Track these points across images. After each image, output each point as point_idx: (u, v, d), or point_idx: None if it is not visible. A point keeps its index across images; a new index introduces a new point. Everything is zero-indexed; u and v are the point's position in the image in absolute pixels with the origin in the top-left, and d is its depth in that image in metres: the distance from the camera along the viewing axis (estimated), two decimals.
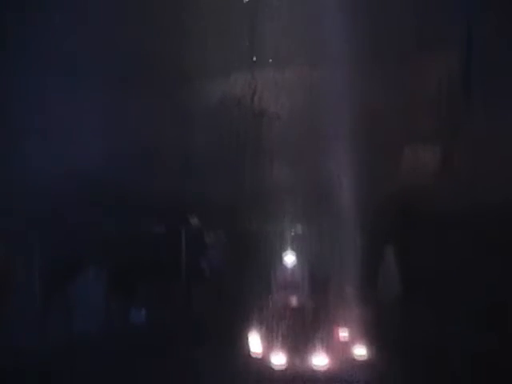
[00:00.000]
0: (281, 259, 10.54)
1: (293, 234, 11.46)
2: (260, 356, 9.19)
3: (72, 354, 9.53)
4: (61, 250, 11.88)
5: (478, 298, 10.96)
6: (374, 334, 9.20)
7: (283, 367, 8.72)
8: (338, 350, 9.08)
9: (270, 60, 11.32)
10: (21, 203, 11.39)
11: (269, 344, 9.30)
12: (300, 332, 9.42)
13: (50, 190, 11.55)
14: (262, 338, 9.53)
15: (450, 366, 8.65)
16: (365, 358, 9.05)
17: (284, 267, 10.38)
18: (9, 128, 11.15)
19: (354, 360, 8.97)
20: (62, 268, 11.72)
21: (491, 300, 10.93)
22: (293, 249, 10.80)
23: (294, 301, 10.04)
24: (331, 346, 9.06)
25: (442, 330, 10.45)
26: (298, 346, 9.08)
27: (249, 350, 9.39)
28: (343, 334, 9.85)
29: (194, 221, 12.16)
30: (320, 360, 8.79)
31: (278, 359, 8.84)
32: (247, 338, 9.65)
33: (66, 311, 11.13)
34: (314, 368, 8.68)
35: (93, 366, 8.90)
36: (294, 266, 10.36)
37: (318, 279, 10.56)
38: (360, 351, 9.16)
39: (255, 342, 9.55)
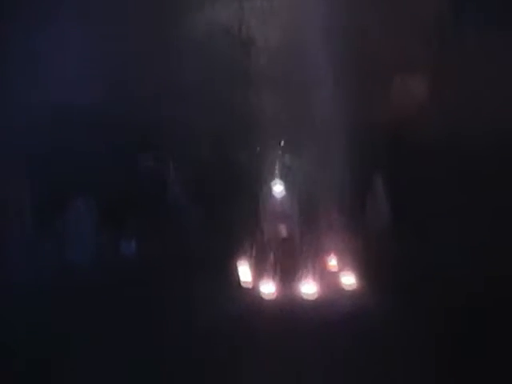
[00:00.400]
0: (269, 189, 10.48)
1: (281, 163, 11.42)
2: (249, 285, 9.20)
3: (62, 286, 9.50)
4: (50, 182, 11.80)
5: (467, 226, 11.01)
6: (362, 263, 9.21)
7: (272, 296, 8.74)
8: (327, 279, 9.10)
9: None
10: (7, 135, 11.25)
11: (258, 274, 9.30)
12: (289, 261, 9.42)
13: (38, 122, 11.39)
14: (251, 267, 9.53)
15: (439, 295, 8.71)
16: (354, 286, 9.08)
17: (272, 197, 10.32)
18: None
19: (343, 289, 9.00)
20: (51, 200, 11.66)
21: (481, 227, 10.98)
22: (281, 178, 10.74)
23: (282, 230, 10.01)
24: (320, 275, 9.08)
25: (430, 259, 10.52)
26: (287, 275, 9.08)
27: (238, 280, 9.39)
28: (332, 263, 9.88)
29: (182, 152, 12.03)
30: (309, 289, 8.82)
31: (268, 288, 8.86)
32: (236, 268, 9.66)
33: (56, 243, 11.09)
34: (303, 297, 8.71)
35: (83, 298, 8.88)
36: (283, 196, 10.30)
37: (306, 208, 10.52)
38: (349, 280, 9.19)
39: (244, 272, 9.56)
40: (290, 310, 8.37)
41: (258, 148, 11.00)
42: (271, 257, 9.28)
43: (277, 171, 10.83)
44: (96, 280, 9.89)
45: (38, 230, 11.17)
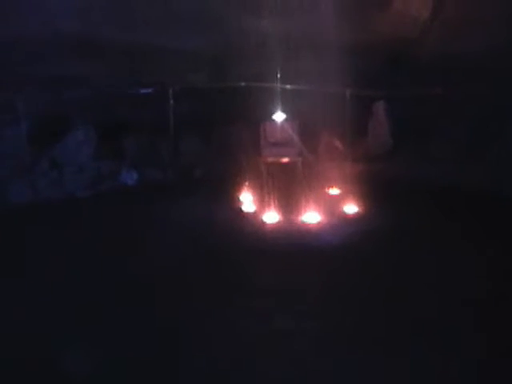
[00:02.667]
0: (270, 115, 10.21)
1: (282, 89, 11.10)
2: (252, 212, 9.05)
3: (62, 213, 9.38)
4: (49, 109, 11.52)
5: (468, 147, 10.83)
6: (364, 191, 9.03)
7: (275, 223, 8.59)
8: (329, 206, 8.92)
9: None
10: (3, 63, 10.90)
11: (260, 200, 9.14)
12: (291, 188, 9.24)
13: (31, 46, 11.02)
14: (253, 194, 9.37)
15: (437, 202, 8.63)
16: (355, 214, 8.92)
17: (274, 123, 10.05)
18: None
19: (345, 216, 8.84)
20: (50, 127, 11.42)
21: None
22: (282, 105, 10.46)
23: (284, 157, 9.79)
24: (322, 203, 8.90)
25: (429, 176, 10.36)
26: (289, 202, 8.91)
27: (240, 207, 9.25)
28: (334, 190, 9.70)
29: (180, 77, 11.71)
30: (311, 216, 8.64)
31: (270, 215, 8.69)
32: (238, 195, 9.51)
33: (56, 171, 10.89)
34: (305, 223, 8.55)
35: (83, 224, 8.77)
36: (284, 123, 10.03)
37: (308, 135, 10.28)
38: (350, 208, 9.01)
39: (246, 199, 9.40)
40: (291, 236, 8.24)
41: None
42: (273, 184, 9.07)
43: (278, 97, 10.55)
44: (96, 208, 9.76)
45: (39, 159, 10.99)
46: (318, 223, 8.55)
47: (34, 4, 10.50)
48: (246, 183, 9.52)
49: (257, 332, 5.69)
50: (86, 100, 11.39)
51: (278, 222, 8.57)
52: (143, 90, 11.67)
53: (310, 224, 8.52)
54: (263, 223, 8.62)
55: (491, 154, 10.72)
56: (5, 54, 10.63)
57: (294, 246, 7.75)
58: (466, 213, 8.74)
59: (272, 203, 8.85)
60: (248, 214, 9.05)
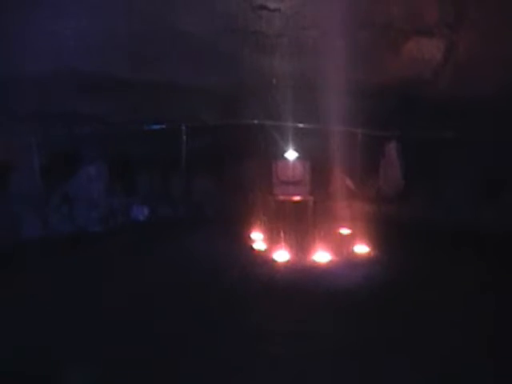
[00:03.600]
0: (282, 154, 10.18)
1: (294, 128, 11.09)
2: (263, 250, 8.98)
3: (73, 248, 9.37)
4: (62, 145, 11.58)
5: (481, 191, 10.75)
6: (375, 231, 8.96)
7: (286, 262, 8.52)
8: (339, 246, 8.85)
9: None
10: (19, 99, 10.97)
11: (271, 239, 9.08)
12: (302, 227, 9.18)
13: (48, 84, 11.09)
14: (264, 232, 9.32)
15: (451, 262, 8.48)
16: (365, 253, 8.83)
17: (285, 162, 10.02)
18: None
19: (355, 257, 8.75)
20: (63, 162, 11.45)
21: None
22: (294, 143, 10.44)
23: (295, 196, 9.74)
24: (333, 242, 8.83)
25: (442, 218, 10.26)
26: (300, 241, 8.85)
27: (251, 245, 9.19)
28: (345, 230, 9.63)
29: (193, 114, 11.73)
30: (321, 255, 8.56)
31: (280, 254, 8.62)
32: (249, 233, 9.45)
33: (67, 206, 10.90)
34: (316, 263, 8.47)
35: (94, 259, 8.73)
36: (296, 161, 10.00)
37: (319, 174, 10.23)
38: (361, 248, 8.93)
39: (257, 237, 9.34)
40: (302, 275, 8.15)
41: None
42: (284, 222, 9.02)
43: (290, 136, 10.55)
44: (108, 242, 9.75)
45: (51, 194, 10.99)
46: (329, 263, 8.47)
47: (49, 42, 10.60)
48: (257, 221, 9.47)
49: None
50: (98, 136, 11.42)
51: (289, 261, 8.50)
52: (156, 127, 11.70)
53: (320, 264, 8.44)
54: (274, 262, 8.54)
55: (505, 196, 10.66)
56: (20, 90, 10.70)
57: (304, 287, 7.64)
58: (480, 255, 8.62)
59: (283, 242, 8.80)
60: (259, 252, 8.98)
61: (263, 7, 10.42)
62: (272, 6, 10.45)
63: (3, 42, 10.81)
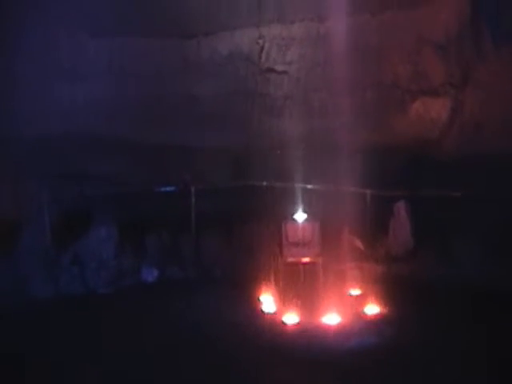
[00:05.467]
0: (291, 215, 10.17)
1: (303, 189, 11.09)
2: (272, 313, 8.92)
3: (82, 310, 9.35)
4: (72, 205, 11.61)
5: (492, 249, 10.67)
6: (385, 292, 8.89)
7: (295, 324, 8.45)
8: (350, 308, 8.78)
9: (278, 16, 10.82)
10: (31, 159, 11.09)
11: (280, 301, 9.02)
12: (311, 289, 9.13)
13: (59, 145, 11.22)
14: (273, 294, 9.26)
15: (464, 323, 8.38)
16: (376, 314, 8.75)
17: (294, 223, 10.00)
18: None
19: (366, 318, 8.67)
20: (74, 222, 11.47)
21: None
22: (303, 205, 10.43)
23: (305, 257, 9.70)
24: (342, 304, 8.76)
25: (452, 277, 10.17)
26: (310, 303, 8.79)
27: (260, 307, 9.13)
28: (355, 291, 9.55)
29: (203, 175, 11.78)
30: (331, 317, 8.49)
31: (290, 317, 8.56)
32: (259, 295, 9.39)
33: (77, 267, 10.90)
34: (326, 325, 8.40)
35: (102, 322, 8.70)
36: (305, 222, 9.99)
37: (328, 235, 10.19)
38: (371, 308, 8.86)
39: (267, 299, 9.27)
40: (312, 338, 8.08)
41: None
42: (293, 285, 8.97)
43: (299, 197, 10.55)
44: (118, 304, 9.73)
45: (61, 255, 11.01)
46: (339, 325, 8.38)
47: (62, 104, 10.77)
48: (267, 283, 9.41)
49: None
50: (109, 197, 11.47)
51: (298, 324, 8.42)
52: (165, 188, 11.74)
53: (330, 326, 8.36)
54: (283, 325, 8.47)
55: None
56: (31, 150, 10.83)
57: (314, 352, 7.53)
58: (492, 315, 8.51)
59: (292, 304, 8.74)
60: (268, 314, 8.90)
61: (271, 70, 10.61)
62: (280, 68, 10.63)
63: (18, 104, 11.02)
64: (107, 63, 11.16)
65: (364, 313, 8.85)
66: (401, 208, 11.37)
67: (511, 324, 8.19)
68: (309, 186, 11.19)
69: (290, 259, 9.70)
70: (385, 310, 8.88)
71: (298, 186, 10.95)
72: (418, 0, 10.79)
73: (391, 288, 9.14)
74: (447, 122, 11.03)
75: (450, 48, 10.79)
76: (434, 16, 10.83)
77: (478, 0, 10.49)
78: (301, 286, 9.09)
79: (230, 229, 11.66)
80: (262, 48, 11.04)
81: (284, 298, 8.96)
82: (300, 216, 10.10)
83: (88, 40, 11.15)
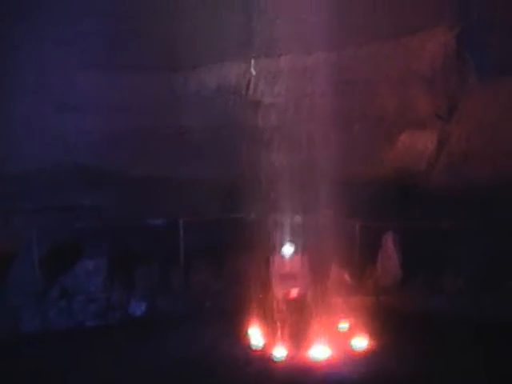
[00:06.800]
0: (280, 247, 10.17)
1: (291, 221, 11.10)
2: (260, 347, 8.87)
3: (69, 343, 9.33)
4: (61, 237, 11.57)
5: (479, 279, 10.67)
6: (374, 324, 8.87)
7: (283, 359, 8.40)
8: (338, 341, 8.74)
9: (265, 49, 10.91)
10: (20, 192, 11.08)
11: (269, 334, 8.98)
12: (300, 322, 9.09)
13: (49, 178, 11.22)
14: (261, 327, 9.21)
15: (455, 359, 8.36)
16: (365, 349, 8.72)
17: (283, 255, 9.99)
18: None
19: (354, 352, 8.63)
20: (62, 255, 11.44)
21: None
22: (292, 236, 10.43)
23: (293, 292, 9.68)
24: (331, 337, 8.72)
25: (441, 308, 10.15)
26: (298, 336, 8.75)
27: (249, 341, 9.08)
28: (343, 323, 9.51)
29: (192, 208, 11.77)
30: (320, 351, 8.45)
31: (279, 351, 8.51)
32: (247, 328, 9.34)
33: (65, 300, 10.86)
34: (314, 359, 8.36)
35: (88, 355, 8.68)
36: (293, 255, 9.98)
37: (317, 267, 10.17)
38: (360, 341, 8.83)
39: (255, 332, 9.23)
40: (300, 372, 8.03)
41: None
42: (282, 319, 8.93)
43: (287, 230, 10.55)
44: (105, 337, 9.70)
45: (49, 288, 10.98)
46: (327, 359, 8.35)
47: (51, 137, 10.80)
48: (255, 316, 9.37)
49: None
50: (97, 229, 11.44)
51: (287, 358, 8.38)
52: (154, 221, 11.74)
53: (318, 360, 8.32)
54: (271, 359, 8.43)
55: (504, 286, 10.57)
56: (21, 183, 10.83)
57: None
58: (480, 345, 8.52)
59: (280, 337, 8.70)
60: (256, 348, 8.87)
61: (259, 102, 10.66)
62: (267, 101, 10.69)
63: (7, 138, 11.03)
64: (96, 96, 11.19)
65: (352, 346, 8.81)
66: (389, 239, 11.37)
67: (501, 354, 8.19)
68: (297, 218, 11.18)
69: (279, 291, 9.68)
70: (373, 343, 8.84)
71: (287, 217, 10.95)
72: (404, 33, 10.88)
73: (380, 320, 9.11)
74: (434, 153, 11.09)
75: (436, 80, 10.88)
76: (421, 48, 10.94)
77: (463, 33, 10.60)
78: (289, 319, 9.04)
79: (219, 261, 11.63)
80: (250, 81, 11.11)
81: (272, 332, 8.91)
82: (288, 249, 10.10)
83: (78, 73, 11.19)
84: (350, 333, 9.12)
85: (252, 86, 11.04)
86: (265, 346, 8.90)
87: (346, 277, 10.97)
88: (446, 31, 10.77)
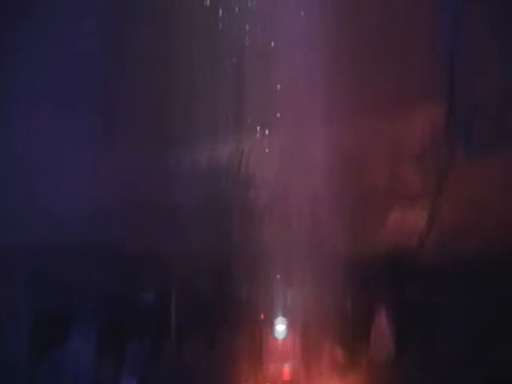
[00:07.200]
0: (272, 325, 10.14)
1: (283, 297, 11.10)
2: None
3: None
4: (50, 311, 11.49)
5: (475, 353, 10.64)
6: None
7: None
8: None
9: (258, 127, 11.05)
10: (6, 262, 11.04)
11: None
12: None
13: (38, 251, 11.18)
14: None
15: None
16: None
17: (275, 336, 9.95)
18: None
19: None
20: (50, 329, 11.34)
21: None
22: (284, 313, 10.42)
23: (285, 373, 9.62)
24: None
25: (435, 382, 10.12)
26: None
27: None
28: None
29: (183, 282, 11.76)
30: None
31: None
32: None
33: (54, 374, 10.74)
34: None
35: None
36: (285, 336, 9.94)
37: (309, 346, 10.14)
38: None
39: None
40: None
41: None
42: None
43: (279, 308, 10.54)
44: None
45: (37, 362, 10.88)
46: None
47: (38, 210, 10.80)
48: None
49: None
50: (87, 303, 11.39)
51: None
52: (145, 295, 11.69)
53: None
54: None
55: (495, 359, 10.54)
56: (10, 257, 10.79)
57: None
58: None
59: None
60: None
61: (251, 179, 10.74)
62: (259, 177, 10.79)
63: None
64: (89, 173, 11.26)
65: None
66: (381, 314, 11.37)
67: None
68: (289, 294, 11.17)
69: (270, 373, 9.63)
70: None
71: (279, 294, 10.95)
72: (393, 110, 11.04)
73: None
74: (425, 230, 11.15)
75: (425, 157, 10.99)
76: (410, 125, 11.08)
77: (452, 111, 10.77)
78: None
79: (211, 337, 11.57)
80: (242, 157, 11.21)
81: None
82: (280, 327, 10.08)
83: (70, 150, 11.27)
84: None
85: (244, 162, 11.14)
86: None
87: (339, 354, 10.92)
88: (435, 109, 10.92)
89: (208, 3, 11.39)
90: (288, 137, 11.28)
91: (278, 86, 10.94)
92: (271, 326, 10.07)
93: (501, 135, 10.65)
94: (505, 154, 10.56)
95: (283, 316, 10.20)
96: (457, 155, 10.84)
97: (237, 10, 11.30)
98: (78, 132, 11.23)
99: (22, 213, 11.26)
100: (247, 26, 11.22)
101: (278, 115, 11.03)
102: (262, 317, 10.28)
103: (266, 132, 11.10)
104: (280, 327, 9.97)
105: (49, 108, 11.31)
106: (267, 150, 11.09)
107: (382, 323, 11.31)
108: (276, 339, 9.77)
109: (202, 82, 11.15)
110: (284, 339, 9.77)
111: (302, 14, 11.00)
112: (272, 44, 11.08)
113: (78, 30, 11.48)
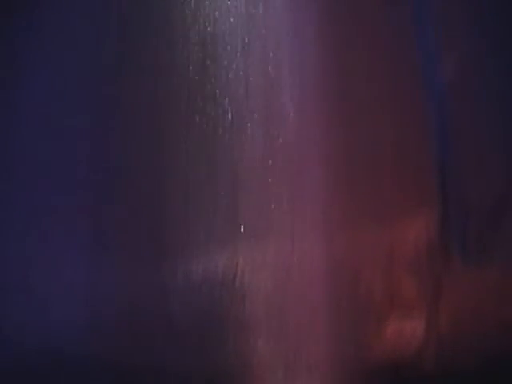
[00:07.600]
0: None
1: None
2: None
3: None
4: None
5: None
6: None
7: None
8: None
9: (252, 239, 11.11)
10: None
11: None
12: None
13: (32, 369, 11.05)
14: None
15: None
16: None
17: None
18: None
19: None
20: None
21: None
22: None
23: None
24: None
25: None
26: None
27: None
28: None
29: None
30: None
31: None
32: None
33: None
34: None
35: None
36: None
37: None
38: None
39: None
40: None
41: None
42: None
43: None
44: None
45: None
46: None
47: (32, 326, 10.73)
48: None
49: None
50: None
51: None
52: None
53: None
54: None
55: None
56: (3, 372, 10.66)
57: None
58: None
59: None
60: None
61: (246, 291, 10.68)
62: (254, 290, 10.73)
63: None
64: (82, 288, 11.26)
65: None
66: None
67: None
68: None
69: None
70: None
71: None
72: (388, 216, 11.16)
73: None
74: (423, 338, 11.05)
75: (421, 264, 10.98)
76: (404, 232, 11.15)
77: (445, 217, 10.88)
78: None
79: None
80: (237, 269, 11.25)
81: None
82: None
83: (62, 271, 11.32)
84: None
85: (239, 274, 11.15)
86: None
87: None
88: (427, 214, 11.05)
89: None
90: (283, 251, 11.32)
91: (273, 206, 11.10)
92: None
93: (496, 241, 10.74)
94: (501, 258, 10.62)
95: None
96: (452, 262, 10.88)
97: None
98: (71, 252, 11.30)
99: (17, 324, 11.17)
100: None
101: (275, 229, 11.12)
102: None
103: (262, 246, 11.16)
104: None
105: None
106: (262, 264, 11.13)
107: None
108: None
109: (196, 192, 11.32)
110: None
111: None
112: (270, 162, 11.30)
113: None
